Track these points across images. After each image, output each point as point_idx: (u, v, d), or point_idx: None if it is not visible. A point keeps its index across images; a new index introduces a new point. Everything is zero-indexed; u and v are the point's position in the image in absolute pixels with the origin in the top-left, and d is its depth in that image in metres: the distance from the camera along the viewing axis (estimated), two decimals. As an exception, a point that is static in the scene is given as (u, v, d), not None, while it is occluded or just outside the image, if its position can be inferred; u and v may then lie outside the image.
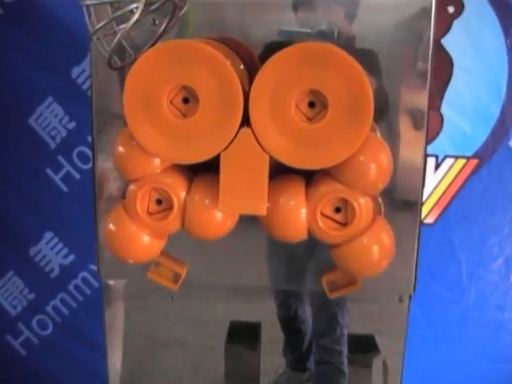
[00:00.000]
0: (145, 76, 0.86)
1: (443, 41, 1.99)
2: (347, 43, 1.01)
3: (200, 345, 1.36)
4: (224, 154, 0.87)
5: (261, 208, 0.88)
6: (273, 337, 1.38)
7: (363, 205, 0.91)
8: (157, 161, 0.92)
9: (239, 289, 1.20)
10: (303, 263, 1.15)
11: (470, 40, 1.98)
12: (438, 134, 2.05)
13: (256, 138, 0.87)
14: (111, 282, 1.17)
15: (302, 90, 0.86)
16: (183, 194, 0.93)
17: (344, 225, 0.92)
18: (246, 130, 0.87)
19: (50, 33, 1.95)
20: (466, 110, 2.03)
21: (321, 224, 0.91)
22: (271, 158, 0.88)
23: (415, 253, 1.07)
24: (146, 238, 0.95)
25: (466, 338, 2.17)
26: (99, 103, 1.05)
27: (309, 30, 1.01)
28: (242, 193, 0.88)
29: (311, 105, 0.87)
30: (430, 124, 1.02)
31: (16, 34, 2.00)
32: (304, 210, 0.92)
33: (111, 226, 0.95)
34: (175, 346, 1.44)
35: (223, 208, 0.89)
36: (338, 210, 0.92)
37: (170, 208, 0.93)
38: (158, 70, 0.86)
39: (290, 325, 1.71)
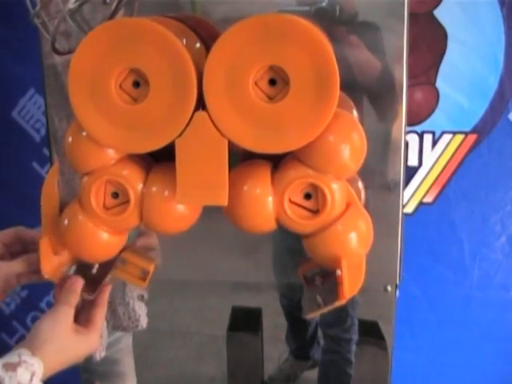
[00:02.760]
0: (90, 59, 0.79)
1: (436, 12, 1.94)
2: (350, 19, 0.95)
3: (203, 334, 1.33)
4: (179, 141, 0.80)
5: (222, 198, 0.81)
6: (277, 322, 1.35)
7: (335, 190, 0.84)
8: (111, 151, 0.85)
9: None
10: (302, 255, 1.09)
11: (464, 10, 1.93)
12: (434, 109, 1.99)
13: (213, 122, 0.79)
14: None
15: (260, 67, 0.78)
16: (140, 186, 0.86)
17: (315, 212, 0.85)
18: (201, 114, 0.79)
19: (28, 22, 1.89)
20: (463, 83, 1.98)
21: (289, 212, 0.84)
22: (231, 142, 0.80)
23: (399, 240, 1.01)
24: (103, 235, 0.88)
25: (471, 319, 2.13)
26: (51, 92, 0.99)
27: (308, 8, 0.95)
28: (201, 182, 0.81)
29: (272, 82, 0.80)
30: (408, 99, 0.95)
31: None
32: (271, 198, 0.85)
33: (66, 222, 0.89)
34: (178, 337, 1.41)
35: (181, 199, 0.82)
36: (308, 196, 0.85)
37: (128, 201, 0.86)
38: (104, 52, 0.79)
39: (293, 314, 1.68)
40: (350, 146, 0.83)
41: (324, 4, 0.96)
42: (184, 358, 1.42)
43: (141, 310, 1.22)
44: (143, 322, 1.23)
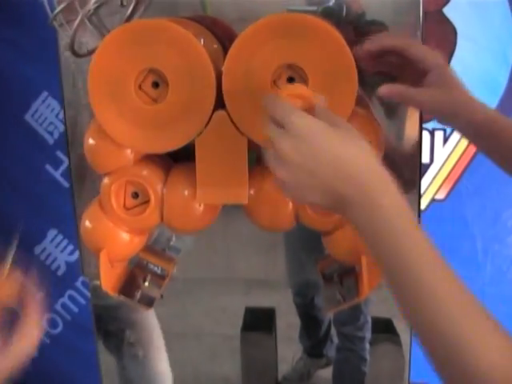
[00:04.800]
0: (109, 60, 0.80)
1: (445, 10, 1.93)
2: (356, 18, 0.95)
3: (216, 334, 1.33)
4: (199, 140, 0.81)
5: (242, 196, 0.82)
6: (290, 321, 1.35)
7: (354, 187, 0.84)
8: (130, 151, 0.86)
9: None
10: (320, 253, 1.09)
11: (474, 8, 1.93)
12: (444, 106, 1.99)
13: (232, 121, 0.80)
14: (97, 283, 1.12)
15: (278, 66, 0.79)
16: (160, 186, 0.87)
17: (334, 209, 0.86)
18: (220, 113, 0.80)
19: (40, 26, 1.89)
20: (473, 80, 1.96)
21: (309, 210, 0.85)
22: (250, 141, 0.81)
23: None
24: (124, 235, 0.89)
25: (484, 315, 2.12)
26: (69, 93, 0.99)
27: (315, 8, 0.95)
28: (221, 181, 0.82)
29: (291, 81, 0.80)
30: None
31: (5, 29, 1.96)
32: (291, 196, 0.85)
33: (87, 223, 0.90)
34: (191, 337, 1.41)
35: (201, 198, 0.83)
36: (327, 193, 0.86)
37: (147, 201, 0.87)
38: (123, 53, 0.80)
39: (307, 312, 1.68)
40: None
41: (331, 4, 0.96)
42: (197, 359, 1.43)
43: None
44: None
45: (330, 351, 1.77)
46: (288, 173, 0.66)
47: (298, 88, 0.74)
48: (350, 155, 0.65)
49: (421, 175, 1.01)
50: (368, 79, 0.86)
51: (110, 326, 1.33)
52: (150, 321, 1.38)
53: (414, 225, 0.64)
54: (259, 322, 1.24)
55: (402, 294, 0.63)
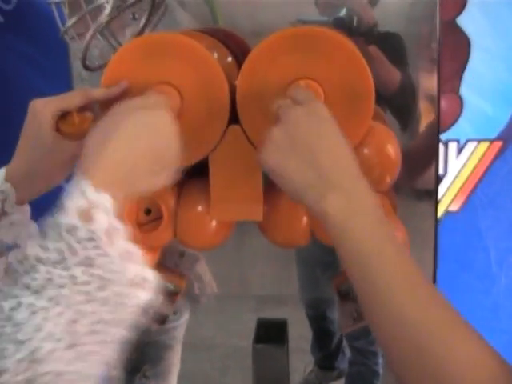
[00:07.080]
0: (122, 74, 0.79)
1: (459, 20, 1.92)
2: (368, 29, 0.95)
3: (227, 346, 1.32)
4: (212, 156, 0.79)
5: (257, 213, 0.81)
6: (302, 333, 1.33)
7: (370, 203, 0.83)
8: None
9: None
10: (330, 269, 1.08)
11: (487, 17, 1.91)
12: (458, 117, 1.97)
13: (246, 136, 0.79)
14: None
15: (293, 80, 0.77)
16: (173, 202, 0.85)
17: (351, 225, 0.84)
18: (234, 128, 0.79)
19: (52, 40, 1.89)
20: (487, 90, 1.96)
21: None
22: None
23: (433, 250, 0.99)
24: (136, 252, 0.88)
25: (499, 328, 2.10)
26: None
27: (326, 19, 0.94)
28: (236, 197, 0.80)
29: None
30: (440, 108, 0.94)
31: (18, 42, 1.96)
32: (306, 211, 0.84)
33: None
34: (202, 349, 1.40)
35: (215, 215, 0.82)
36: (343, 209, 0.84)
37: (160, 218, 0.85)
38: (136, 67, 0.78)
39: (319, 324, 1.66)
40: (384, 159, 0.82)
41: (342, 14, 0.95)
42: (209, 371, 1.41)
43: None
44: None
45: (342, 364, 1.75)
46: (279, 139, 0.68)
47: None
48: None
49: (437, 186, 0.99)
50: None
51: (131, 355, 1.32)
52: (174, 360, 1.37)
53: (384, 224, 0.65)
54: (271, 333, 1.23)
55: (366, 295, 0.65)
